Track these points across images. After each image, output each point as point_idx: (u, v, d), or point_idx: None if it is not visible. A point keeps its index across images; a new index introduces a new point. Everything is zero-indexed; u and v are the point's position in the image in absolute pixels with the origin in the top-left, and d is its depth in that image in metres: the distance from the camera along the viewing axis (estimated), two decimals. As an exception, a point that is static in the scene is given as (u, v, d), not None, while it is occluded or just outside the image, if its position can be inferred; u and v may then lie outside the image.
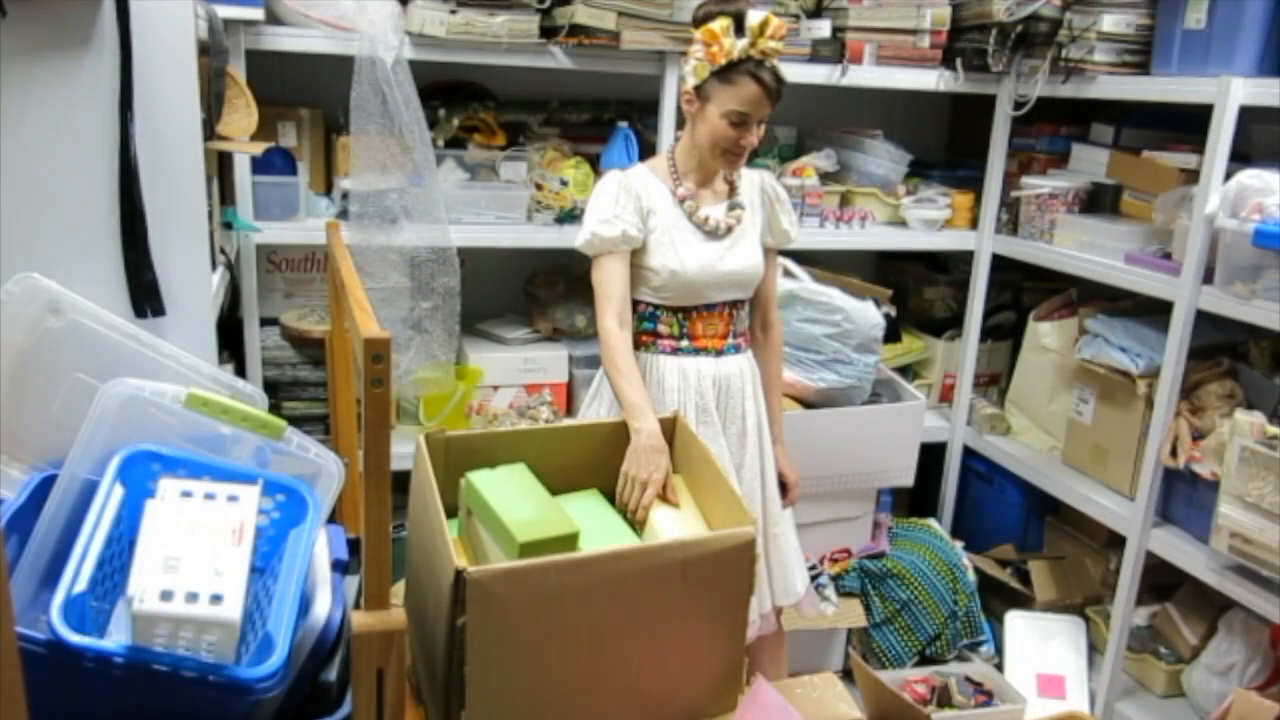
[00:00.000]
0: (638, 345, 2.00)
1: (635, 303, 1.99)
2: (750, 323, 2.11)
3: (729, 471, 1.97)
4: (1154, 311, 2.42)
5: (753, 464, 2.04)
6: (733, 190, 2.03)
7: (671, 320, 1.98)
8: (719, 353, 2.00)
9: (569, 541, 1.39)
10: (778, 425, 2.15)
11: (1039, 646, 2.64)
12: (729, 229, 1.97)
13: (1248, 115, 2.13)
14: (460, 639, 1.27)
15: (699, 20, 1.85)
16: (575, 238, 2.49)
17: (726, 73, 1.82)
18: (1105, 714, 2.50)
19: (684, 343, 1.98)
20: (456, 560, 1.26)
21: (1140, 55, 2.46)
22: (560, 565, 1.30)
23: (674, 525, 1.57)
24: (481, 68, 2.44)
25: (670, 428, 1.74)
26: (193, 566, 1.17)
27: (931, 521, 2.88)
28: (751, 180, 2.05)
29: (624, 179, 1.93)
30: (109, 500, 1.26)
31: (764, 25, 1.80)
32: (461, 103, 2.58)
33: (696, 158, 1.95)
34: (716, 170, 1.98)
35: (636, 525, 1.62)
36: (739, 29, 1.80)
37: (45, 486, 1.35)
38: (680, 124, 2.55)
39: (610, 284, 1.92)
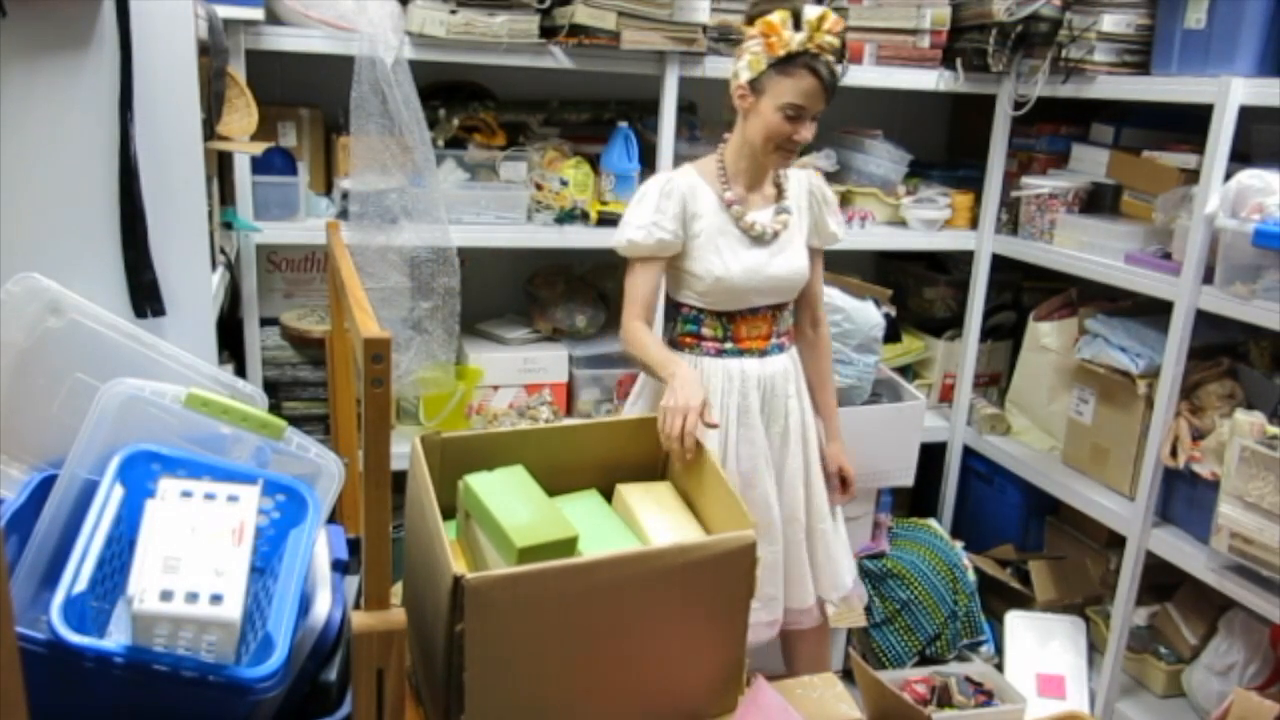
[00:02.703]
0: (681, 347, 2.01)
1: (678, 305, 2.01)
2: (798, 320, 2.12)
3: (769, 472, 2.01)
4: (1154, 311, 2.42)
5: (795, 461, 2.05)
6: (780, 194, 2.02)
7: (715, 323, 1.98)
8: (763, 353, 2.01)
9: (568, 546, 1.39)
10: (833, 421, 2.16)
11: (1039, 646, 2.64)
12: (775, 234, 1.96)
13: (1248, 115, 2.13)
14: (459, 645, 1.27)
15: (753, 17, 1.86)
16: (575, 238, 2.52)
17: (784, 65, 1.82)
18: (1105, 714, 2.50)
19: (728, 344, 1.99)
20: (455, 567, 1.26)
21: (1140, 55, 2.46)
22: (559, 571, 1.30)
23: (669, 531, 1.57)
24: (481, 68, 2.44)
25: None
26: (193, 566, 1.17)
27: (931, 521, 2.88)
28: (799, 182, 2.05)
29: (669, 183, 1.93)
30: (109, 500, 1.26)
31: (822, 20, 1.80)
32: (461, 103, 2.58)
33: (748, 156, 1.94)
34: (767, 169, 1.98)
35: (684, 452, 1.66)
36: (797, 23, 1.81)
37: (45, 486, 1.35)
38: (679, 127, 2.56)
39: (639, 289, 1.94)
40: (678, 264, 1.96)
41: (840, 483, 2.17)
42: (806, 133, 1.87)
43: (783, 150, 1.90)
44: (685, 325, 2.01)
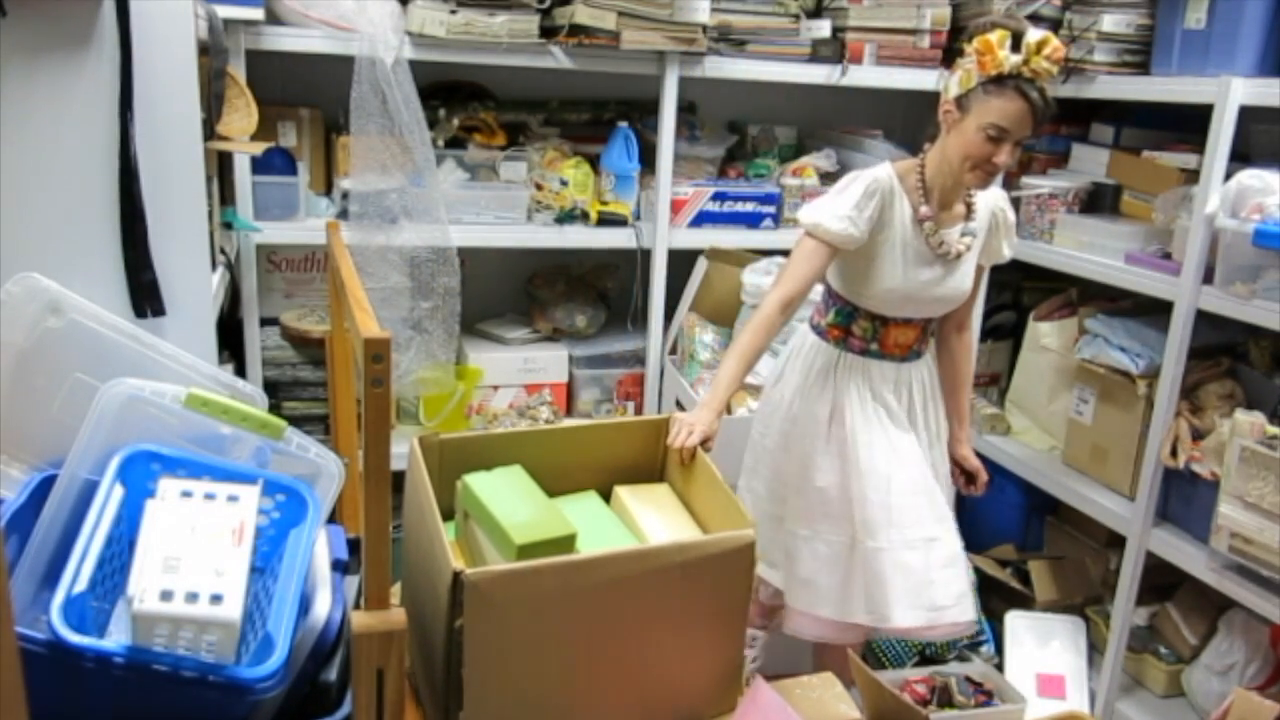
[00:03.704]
0: (826, 336, 2.02)
1: (835, 295, 2.00)
2: (943, 323, 2.13)
3: (927, 465, 2.01)
4: (1154, 311, 2.42)
5: (938, 466, 2.08)
6: (969, 213, 1.99)
7: (867, 324, 1.98)
8: (902, 359, 2.01)
9: (567, 543, 1.39)
10: (965, 426, 2.18)
11: (1039, 646, 2.64)
12: (958, 254, 1.95)
13: (1248, 115, 2.13)
14: (458, 641, 1.27)
15: (975, 32, 1.82)
16: (575, 238, 2.52)
17: (994, 85, 1.79)
18: (1105, 714, 2.50)
19: (873, 345, 1.99)
20: (454, 563, 1.26)
21: (1140, 55, 2.46)
22: (558, 568, 1.30)
23: (666, 532, 1.57)
24: (481, 68, 2.44)
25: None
26: (193, 566, 1.17)
27: (931, 521, 2.87)
28: (985, 202, 2.01)
29: (875, 183, 1.89)
30: (109, 500, 1.26)
31: (1042, 44, 1.76)
32: (461, 103, 2.58)
33: (946, 173, 1.90)
34: (963, 188, 1.93)
35: (677, 456, 1.67)
36: (1016, 45, 1.78)
37: (45, 486, 1.35)
38: (679, 127, 2.56)
39: (801, 269, 1.89)
40: (849, 260, 1.94)
41: (966, 478, 2.19)
42: (1007, 157, 1.82)
43: (980, 171, 1.85)
44: (836, 317, 2.00)
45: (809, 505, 2.02)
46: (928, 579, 1.95)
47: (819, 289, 2.07)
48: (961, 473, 2.20)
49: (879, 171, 1.92)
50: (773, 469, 2.08)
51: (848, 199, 1.88)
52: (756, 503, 2.09)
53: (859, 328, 1.98)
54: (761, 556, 1.99)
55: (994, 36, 1.78)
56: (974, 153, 1.82)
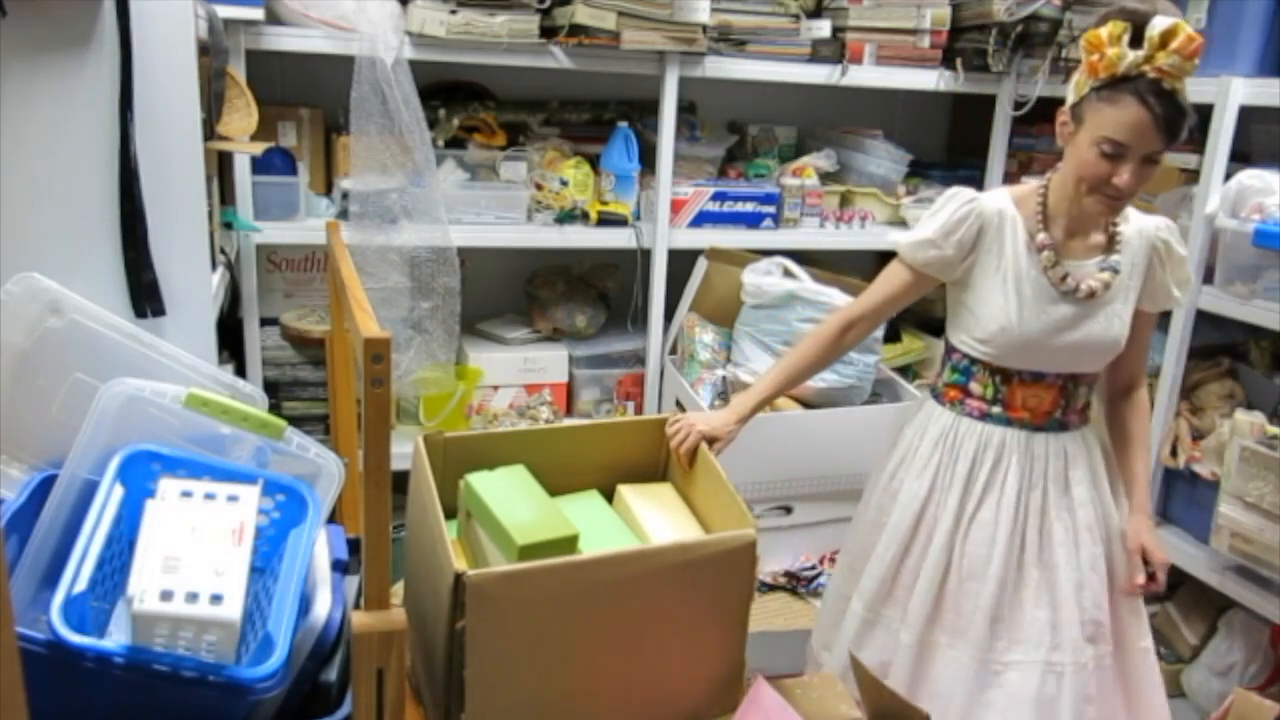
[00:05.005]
0: (943, 399, 1.73)
1: (951, 348, 1.73)
2: (1108, 384, 1.77)
3: (1007, 566, 1.66)
4: (1154, 311, 2.42)
5: (1067, 572, 1.64)
6: (1111, 245, 1.64)
7: (988, 380, 1.67)
8: (1035, 428, 1.66)
9: (569, 544, 1.39)
10: (1141, 492, 1.73)
11: (1039, 646, 2.64)
12: (1091, 293, 1.60)
13: (1248, 115, 2.13)
14: (460, 642, 1.27)
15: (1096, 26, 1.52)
16: (575, 238, 2.52)
17: (1108, 90, 1.48)
18: (1105, 714, 2.50)
19: (995, 408, 1.66)
20: (456, 564, 1.26)
21: (1140, 55, 2.45)
22: (560, 568, 1.30)
23: (669, 531, 1.57)
24: (481, 68, 2.44)
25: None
26: (193, 566, 1.17)
27: (931, 521, 2.86)
28: (1142, 233, 1.65)
29: (976, 204, 1.64)
30: (109, 500, 1.26)
31: (1167, 36, 1.43)
32: (461, 103, 2.58)
33: (1069, 197, 1.60)
34: (1090, 215, 1.60)
35: (676, 458, 1.63)
36: (1136, 39, 1.45)
37: (45, 486, 1.34)
38: (679, 127, 2.56)
39: (876, 288, 1.72)
40: (959, 297, 1.68)
41: (1142, 570, 1.68)
42: (1130, 178, 1.49)
43: (1100, 195, 1.53)
44: (953, 374, 1.71)
45: (880, 590, 1.76)
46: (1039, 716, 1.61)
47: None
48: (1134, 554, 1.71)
49: (982, 195, 1.67)
50: (858, 546, 1.83)
51: (937, 219, 1.66)
52: (838, 582, 1.89)
53: (978, 385, 1.67)
54: (820, 640, 1.90)
55: (1106, 31, 1.46)
56: (1088, 173, 1.53)
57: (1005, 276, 1.62)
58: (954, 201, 1.66)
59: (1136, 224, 1.66)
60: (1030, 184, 1.71)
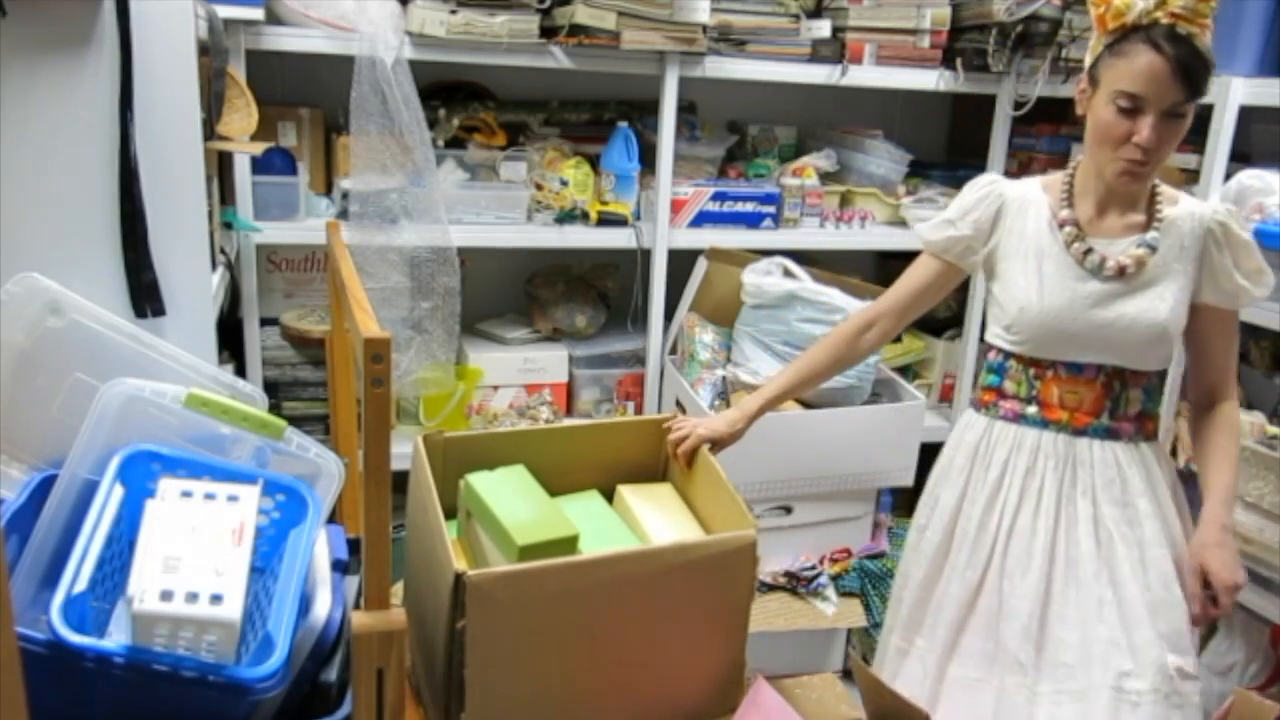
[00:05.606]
0: (979, 406, 1.66)
1: (987, 349, 1.67)
2: (1194, 399, 1.65)
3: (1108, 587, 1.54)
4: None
5: (1169, 585, 1.54)
6: (1150, 222, 1.54)
7: (1021, 376, 1.58)
8: (1077, 431, 1.55)
9: (569, 544, 1.39)
10: (1218, 505, 1.59)
11: (1039, 646, 2.64)
12: (1121, 270, 1.51)
13: (1248, 115, 2.13)
14: (460, 642, 1.27)
15: None
16: (575, 238, 2.52)
17: (1119, 43, 1.41)
18: (1105, 714, 2.49)
19: (1030, 408, 1.57)
20: (456, 563, 1.26)
21: (1140, 55, 2.45)
22: (560, 568, 1.30)
23: (670, 531, 1.57)
24: (481, 68, 2.44)
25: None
26: (193, 566, 1.17)
27: (931, 521, 2.86)
28: (1195, 215, 1.54)
29: (994, 185, 1.62)
30: (109, 500, 1.26)
31: None
32: (461, 103, 2.58)
33: (1095, 171, 1.53)
34: (1116, 188, 1.52)
35: (672, 456, 1.63)
36: None
37: (45, 486, 1.35)
38: (679, 127, 2.56)
39: (900, 282, 1.68)
40: (990, 290, 1.64)
41: (1200, 595, 1.55)
42: (1149, 132, 1.40)
43: (1122, 160, 1.44)
44: (988, 375, 1.64)
45: (913, 616, 1.70)
46: None
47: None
48: (1204, 587, 1.56)
49: (1009, 180, 1.64)
50: (900, 573, 1.78)
51: (958, 201, 1.64)
52: (887, 614, 1.84)
53: (1011, 383, 1.59)
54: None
55: None
56: (1105, 132, 1.44)
57: (1027, 256, 1.57)
58: (976, 184, 1.64)
59: (1188, 206, 1.55)
60: (1059, 172, 1.66)
